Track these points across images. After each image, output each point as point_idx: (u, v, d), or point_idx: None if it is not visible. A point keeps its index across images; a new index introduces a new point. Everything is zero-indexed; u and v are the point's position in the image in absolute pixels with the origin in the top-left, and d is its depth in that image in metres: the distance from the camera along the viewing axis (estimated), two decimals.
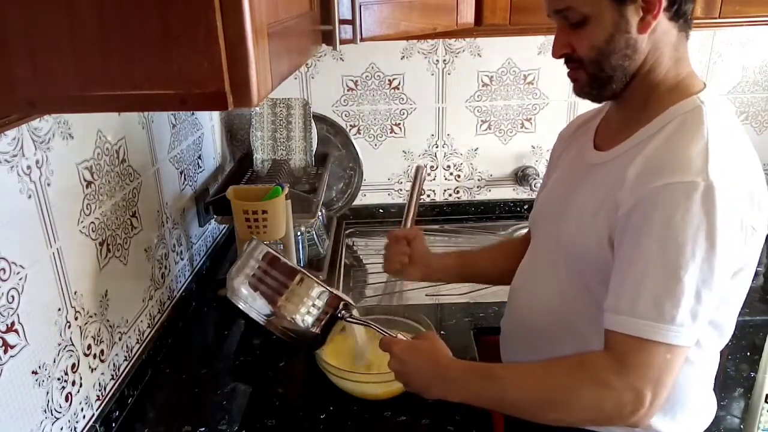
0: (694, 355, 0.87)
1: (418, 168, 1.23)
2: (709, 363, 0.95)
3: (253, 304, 1.00)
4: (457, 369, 0.92)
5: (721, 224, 0.76)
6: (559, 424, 0.88)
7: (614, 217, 0.83)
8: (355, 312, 1.04)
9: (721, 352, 0.97)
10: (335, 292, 1.02)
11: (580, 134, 1.04)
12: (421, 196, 1.19)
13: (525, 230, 1.92)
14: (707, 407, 0.98)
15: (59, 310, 0.93)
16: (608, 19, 0.82)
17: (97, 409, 1.05)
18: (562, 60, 0.90)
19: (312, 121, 1.71)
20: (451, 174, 1.97)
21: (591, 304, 0.90)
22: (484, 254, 1.30)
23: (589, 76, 0.88)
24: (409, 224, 1.19)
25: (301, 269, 1.01)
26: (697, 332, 0.79)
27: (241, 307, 1.02)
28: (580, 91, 0.91)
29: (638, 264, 0.79)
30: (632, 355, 0.79)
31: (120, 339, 1.14)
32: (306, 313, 0.99)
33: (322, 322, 1.01)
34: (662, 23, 0.83)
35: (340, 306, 1.01)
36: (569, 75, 0.91)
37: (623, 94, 0.89)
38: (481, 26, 1.42)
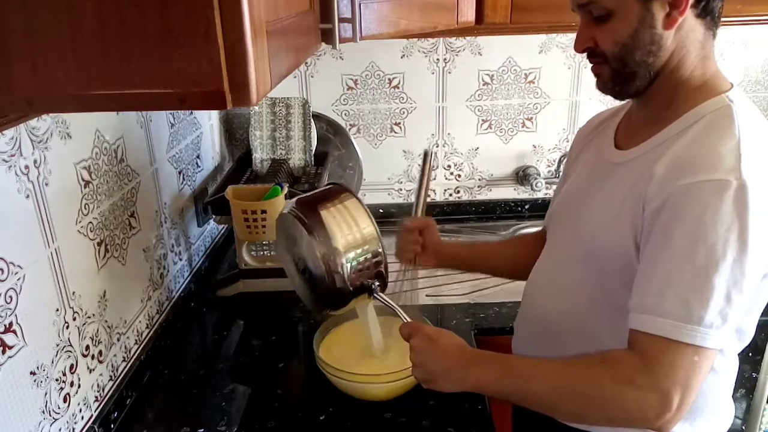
0: (717, 362, 0.85)
1: (426, 153, 1.19)
2: (730, 369, 0.93)
3: (295, 228, 0.96)
4: (479, 357, 0.91)
5: (754, 225, 0.74)
6: (576, 421, 0.87)
7: (640, 216, 0.82)
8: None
9: None
10: (384, 264, 0.98)
11: (599, 133, 1.03)
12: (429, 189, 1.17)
13: (527, 230, 1.93)
14: (726, 414, 0.96)
15: (57, 310, 0.93)
16: (633, 14, 0.81)
17: (95, 410, 1.04)
18: (585, 54, 0.89)
19: (311, 120, 1.70)
20: (452, 174, 1.97)
21: (610, 305, 0.89)
22: (497, 247, 1.30)
23: (613, 72, 0.86)
24: (419, 213, 1.18)
25: (360, 200, 1.00)
26: (727, 335, 0.77)
27: (279, 229, 0.99)
28: (603, 86, 0.90)
29: (666, 263, 0.77)
30: (658, 355, 0.76)
31: (118, 340, 1.13)
32: (352, 259, 0.95)
33: (356, 281, 0.97)
34: (689, 20, 0.82)
35: (375, 277, 0.99)
36: (592, 70, 0.90)
37: (647, 91, 0.87)
38: (481, 25, 1.41)
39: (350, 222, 0.96)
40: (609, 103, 1.94)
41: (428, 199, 1.97)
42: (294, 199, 0.99)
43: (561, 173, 1.17)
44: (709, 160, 0.77)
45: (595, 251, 0.90)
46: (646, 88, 0.87)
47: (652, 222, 0.80)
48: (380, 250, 0.98)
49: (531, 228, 1.93)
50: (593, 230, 0.91)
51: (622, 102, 0.99)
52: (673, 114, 0.85)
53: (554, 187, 1.97)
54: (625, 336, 0.83)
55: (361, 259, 0.96)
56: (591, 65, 0.90)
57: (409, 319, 0.96)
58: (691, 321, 0.75)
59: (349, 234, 0.96)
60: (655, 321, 0.77)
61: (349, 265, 0.95)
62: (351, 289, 0.97)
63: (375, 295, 0.99)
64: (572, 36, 1.92)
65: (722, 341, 0.76)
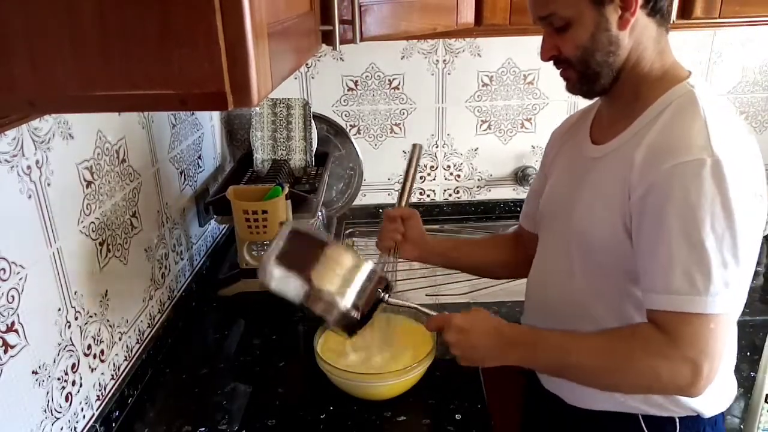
0: None
1: (414, 146, 1.22)
2: (730, 343, 0.96)
3: (287, 284, 0.95)
4: (516, 337, 0.95)
5: (734, 194, 0.80)
6: (613, 390, 0.93)
7: (627, 204, 0.87)
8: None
9: None
10: (370, 264, 0.98)
11: (573, 132, 1.08)
12: (418, 176, 1.17)
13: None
14: (730, 386, 1.00)
15: (59, 310, 0.94)
16: (589, 20, 0.87)
17: (97, 409, 1.05)
18: (552, 62, 0.95)
19: (312, 121, 1.71)
20: (451, 174, 1.97)
21: (610, 290, 0.94)
22: (478, 245, 1.33)
23: (579, 74, 0.93)
24: (403, 203, 1.19)
25: (333, 240, 0.98)
26: (734, 299, 0.83)
27: (274, 289, 0.97)
28: (573, 88, 0.96)
29: (663, 244, 0.82)
30: (678, 328, 0.82)
31: (120, 339, 1.14)
32: (342, 286, 0.95)
33: (362, 300, 0.96)
34: (641, 20, 0.88)
35: (379, 281, 0.98)
36: (561, 75, 0.96)
37: (613, 88, 0.93)
38: (481, 26, 1.42)
39: (334, 267, 0.95)
40: None
41: (428, 200, 1.99)
42: (272, 260, 0.96)
43: (537, 174, 1.21)
44: (683, 142, 0.83)
45: (589, 242, 0.95)
46: (611, 85, 0.93)
47: (641, 208, 0.85)
48: (369, 267, 0.97)
49: None
50: (584, 223, 0.95)
51: (591, 102, 1.05)
52: (641, 105, 0.91)
53: None
54: (626, 317, 0.92)
55: (360, 287, 0.96)
56: (559, 71, 0.96)
57: (433, 313, 1.00)
58: (698, 293, 0.81)
59: (340, 279, 0.95)
60: (666, 299, 0.83)
61: (354, 300, 0.95)
62: (366, 312, 0.97)
63: (387, 302, 1.00)
64: None
65: (730, 305, 0.82)
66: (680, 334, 0.82)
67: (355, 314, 0.96)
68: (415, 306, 1.03)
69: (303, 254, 0.96)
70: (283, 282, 0.96)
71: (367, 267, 0.97)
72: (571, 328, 0.97)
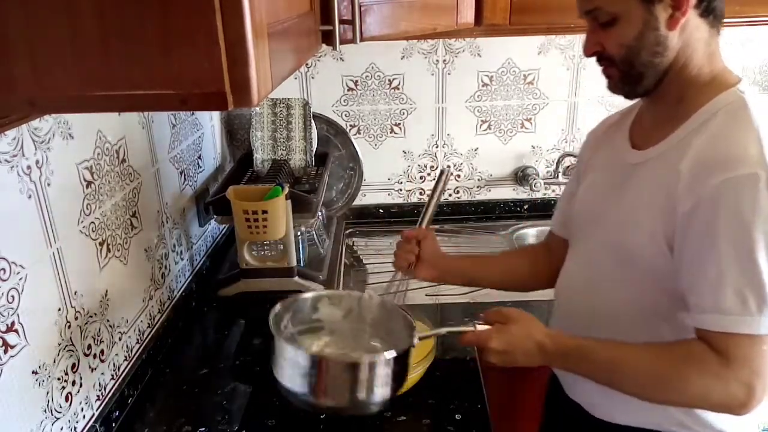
0: None
1: (442, 171, 1.20)
2: None
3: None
4: (564, 350, 0.90)
5: None
6: (666, 405, 0.90)
7: (672, 216, 0.83)
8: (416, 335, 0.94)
9: None
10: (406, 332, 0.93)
11: (611, 135, 1.03)
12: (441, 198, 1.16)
13: (525, 230, 1.93)
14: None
15: (59, 310, 0.94)
16: (637, 18, 0.84)
17: (97, 409, 1.05)
18: (594, 58, 0.92)
19: (312, 121, 1.71)
20: (451, 174, 1.97)
21: (644, 304, 0.91)
22: (499, 260, 1.28)
23: (621, 73, 0.89)
24: (424, 225, 1.18)
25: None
26: None
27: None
28: (614, 87, 0.92)
29: (713, 262, 0.79)
30: (730, 349, 0.79)
31: (120, 339, 1.14)
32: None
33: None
34: (692, 20, 0.84)
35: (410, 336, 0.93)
36: (603, 72, 0.92)
37: (657, 90, 0.89)
38: (481, 26, 1.42)
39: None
40: (607, 104, 1.95)
41: (427, 200, 1.98)
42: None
43: (571, 177, 1.16)
44: (735, 155, 0.79)
45: (626, 251, 0.91)
46: (655, 86, 0.89)
47: (687, 223, 0.81)
48: (403, 351, 0.90)
49: (530, 228, 1.94)
50: (622, 231, 0.92)
51: (631, 103, 1.00)
52: (686, 110, 0.87)
53: (553, 187, 1.98)
54: (656, 332, 0.88)
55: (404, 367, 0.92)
56: (601, 68, 0.92)
57: (469, 329, 0.93)
58: (750, 312, 0.78)
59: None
60: (717, 319, 0.80)
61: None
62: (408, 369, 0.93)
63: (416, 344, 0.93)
64: (571, 37, 1.94)
65: None
66: (733, 355, 0.79)
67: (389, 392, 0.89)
68: (444, 331, 0.98)
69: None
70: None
71: (401, 351, 0.89)
72: (598, 338, 0.94)
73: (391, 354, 0.87)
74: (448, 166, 1.22)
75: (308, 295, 1.03)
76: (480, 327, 0.93)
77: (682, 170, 0.82)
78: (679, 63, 0.86)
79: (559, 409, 1.10)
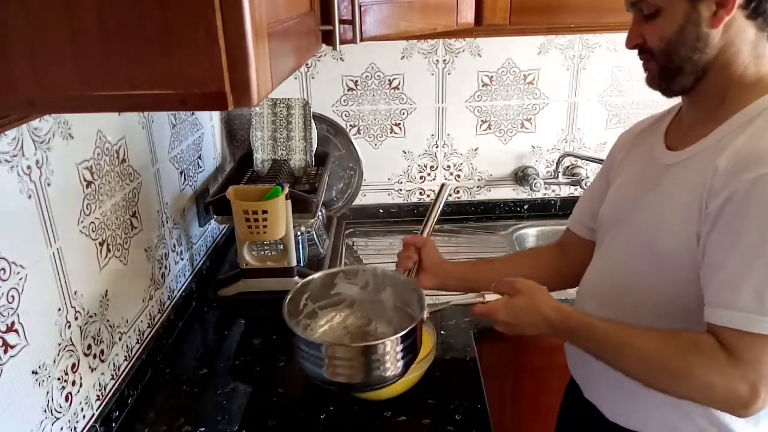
0: None
1: (443, 185, 1.22)
2: None
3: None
4: (568, 328, 0.91)
5: None
6: (668, 394, 0.87)
7: (703, 212, 0.82)
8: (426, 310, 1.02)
9: None
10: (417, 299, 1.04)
11: (646, 136, 1.03)
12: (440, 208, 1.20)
13: (525, 230, 1.93)
14: None
15: (59, 310, 0.94)
16: (680, 12, 0.84)
17: (97, 409, 1.05)
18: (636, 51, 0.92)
19: (312, 121, 1.71)
20: (451, 174, 1.97)
21: (675, 306, 0.89)
22: (505, 264, 1.26)
23: (659, 68, 0.89)
24: (424, 234, 1.17)
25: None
26: None
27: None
28: (651, 81, 0.92)
29: (736, 257, 0.78)
30: (741, 349, 0.78)
31: (120, 339, 1.14)
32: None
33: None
34: (739, 21, 0.83)
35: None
36: (643, 65, 0.93)
37: (697, 88, 0.89)
38: (481, 26, 1.42)
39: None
40: (608, 104, 1.95)
41: (427, 199, 1.99)
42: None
43: (597, 178, 1.15)
44: None
45: (660, 253, 0.89)
46: (693, 84, 0.88)
47: (716, 217, 0.80)
48: (410, 328, 0.97)
49: (530, 228, 1.94)
50: (651, 232, 0.91)
51: (669, 107, 1.00)
52: (727, 110, 0.86)
53: (553, 187, 1.99)
54: None
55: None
56: (642, 61, 0.92)
57: (478, 300, 0.99)
58: (767, 313, 0.76)
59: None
60: (731, 315, 0.78)
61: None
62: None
63: (426, 318, 1.02)
64: (571, 37, 1.94)
65: None
66: (743, 354, 0.77)
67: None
68: (455, 302, 1.05)
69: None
70: None
71: (409, 329, 0.97)
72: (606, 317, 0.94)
73: (397, 335, 0.95)
74: (449, 180, 1.24)
75: (322, 273, 1.13)
76: (489, 297, 0.97)
77: (719, 165, 0.81)
78: (721, 62, 0.85)
79: (575, 411, 1.10)
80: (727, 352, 0.78)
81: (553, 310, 0.91)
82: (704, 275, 0.82)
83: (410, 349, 0.98)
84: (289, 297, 1.04)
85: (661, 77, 0.90)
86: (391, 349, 0.95)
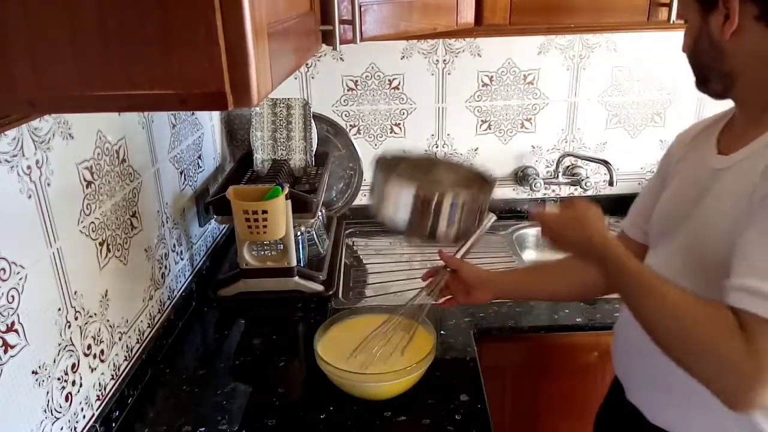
0: None
1: (489, 216, 1.22)
2: None
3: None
4: (606, 256, 0.89)
5: None
6: (664, 351, 0.84)
7: (749, 211, 0.81)
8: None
9: None
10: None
11: (700, 139, 1.02)
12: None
13: (525, 230, 1.93)
14: None
15: (59, 310, 0.94)
16: (695, 23, 0.88)
17: (97, 409, 1.05)
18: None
19: (312, 121, 1.71)
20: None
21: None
22: (557, 267, 1.23)
23: (693, 74, 0.93)
24: (459, 255, 1.16)
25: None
26: None
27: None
28: (695, 84, 0.95)
29: (764, 243, 0.76)
30: (758, 335, 0.75)
31: (120, 339, 1.14)
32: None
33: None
34: (756, 31, 0.82)
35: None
36: None
37: (732, 95, 0.90)
38: (481, 26, 1.42)
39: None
40: (608, 104, 1.95)
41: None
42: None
43: (651, 180, 1.14)
44: None
45: (703, 260, 0.89)
46: (724, 90, 0.90)
47: (759, 205, 0.79)
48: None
49: (530, 228, 1.94)
50: (700, 238, 0.90)
51: (725, 109, 1.00)
52: None
53: (553, 187, 1.99)
54: None
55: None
56: None
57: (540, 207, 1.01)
58: None
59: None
60: (756, 301, 0.75)
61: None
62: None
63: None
64: (571, 37, 1.94)
65: None
66: (759, 341, 0.74)
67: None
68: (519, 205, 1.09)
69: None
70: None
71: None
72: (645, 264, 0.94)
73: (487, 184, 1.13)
74: (496, 213, 1.24)
75: (395, 155, 1.17)
76: (549, 208, 1.04)
77: (764, 169, 0.80)
78: (749, 70, 0.86)
79: (615, 413, 1.09)
80: (744, 334, 0.75)
81: (598, 234, 0.91)
82: (734, 261, 0.80)
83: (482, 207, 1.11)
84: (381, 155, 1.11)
85: (697, 82, 0.93)
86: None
